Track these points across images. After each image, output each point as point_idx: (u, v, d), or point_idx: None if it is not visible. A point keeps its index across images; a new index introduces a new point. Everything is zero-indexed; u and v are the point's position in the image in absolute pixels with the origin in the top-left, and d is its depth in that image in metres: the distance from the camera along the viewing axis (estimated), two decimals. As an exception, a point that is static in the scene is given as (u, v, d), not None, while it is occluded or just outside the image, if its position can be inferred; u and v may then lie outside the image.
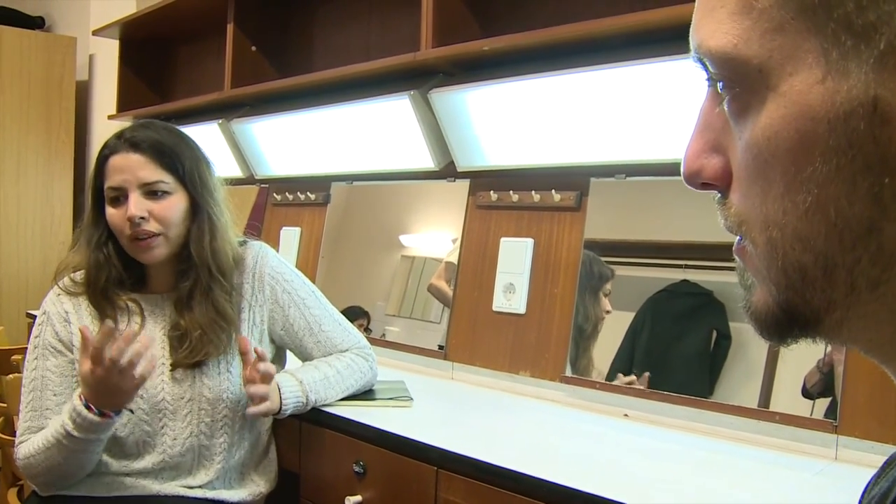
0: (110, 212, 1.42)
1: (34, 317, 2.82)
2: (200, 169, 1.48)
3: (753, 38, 0.34)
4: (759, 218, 0.36)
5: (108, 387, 1.28)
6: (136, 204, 1.39)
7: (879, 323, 0.35)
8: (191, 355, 1.43)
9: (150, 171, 1.42)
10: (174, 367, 1.44)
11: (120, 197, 1.41)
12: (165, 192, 1.43)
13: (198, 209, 1.46)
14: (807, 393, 1.38)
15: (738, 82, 0.36)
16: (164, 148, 1.44)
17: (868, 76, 0.31)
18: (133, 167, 1.41)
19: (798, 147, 0.33)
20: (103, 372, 1.26)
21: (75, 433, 1.31)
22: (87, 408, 1.30)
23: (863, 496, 0.48)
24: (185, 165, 1.45)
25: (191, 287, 1.45)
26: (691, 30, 0.38)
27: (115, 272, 1.45)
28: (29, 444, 1.38)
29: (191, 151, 1.48)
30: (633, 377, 1.61)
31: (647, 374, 1.59)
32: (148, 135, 1.44)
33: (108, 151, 1.43)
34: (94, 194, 1.46)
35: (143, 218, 1.39)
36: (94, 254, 1.45)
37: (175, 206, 1.43)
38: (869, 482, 0.48)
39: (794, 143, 0.33)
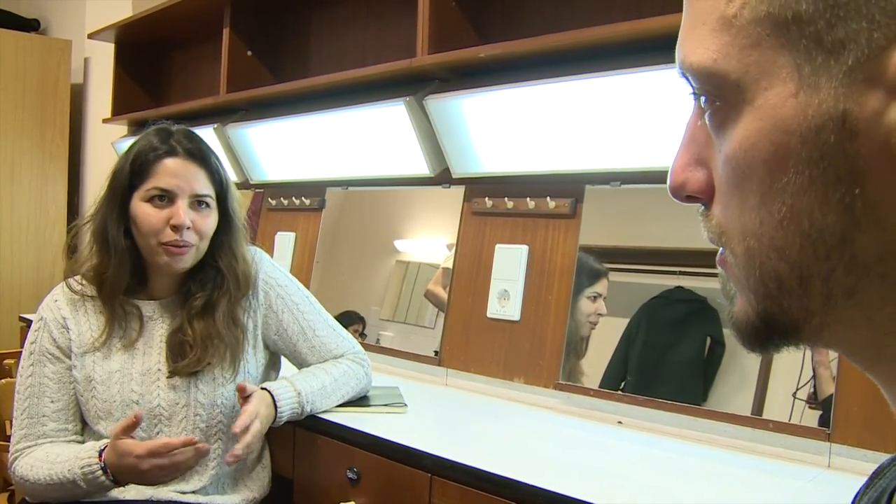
0: (147, 210, 1.40)
1: (28, 321, 2.81)
2: (232, 185, 1.52)
3: (732, 54, 0.35)
4: (738, 228, 0.37)
5: (142, 476, 1.31)
6: (186, 212, 1.40)
7: (857, 328, 0.36)
8: (195, 364, 1.42)
9: (204, 185, 1.44)
10: (172, 374, 1.43)
11: (164, 199, 1.41)
12: (207, 206, 1.45)
13: (230, 225, 1.49)
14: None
15: (719, 96, 0.37)
16: (216, 165, 1.48)
17: (838, 91, 0.32)
18: (190, 176, 1.42)
19: (773, 159, 0.34)
20: (149, 467, 1.29)
21: (82, 485, 1.32)
22: (104, 471, 1.31)
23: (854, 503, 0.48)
24: (226, 183, 1.49)
25: (211, 295, 1.46)
26: (677, 46, 0.40)
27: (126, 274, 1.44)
28: (30, 469, 1.37)
29: (223, 168, 1.51)
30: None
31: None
32: (202, 148, 1.46)
33: (161, 153, 1.42)
34: (121, 188, 1.42)
35: (188, 228, 1.40)
36: (119, 247, 1.42)
37: (212, 220, 1.46)
38: (857, 493, 0.49)
39: (769, 154, 0.34)
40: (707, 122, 0.38)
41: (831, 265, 0.34)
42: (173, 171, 1.41)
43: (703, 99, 0.38)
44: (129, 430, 1.30)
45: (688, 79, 0.39)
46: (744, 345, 0.40)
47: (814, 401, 1.36)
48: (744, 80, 0.35)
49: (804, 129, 0.33)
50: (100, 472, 1.31)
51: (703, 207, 0.41)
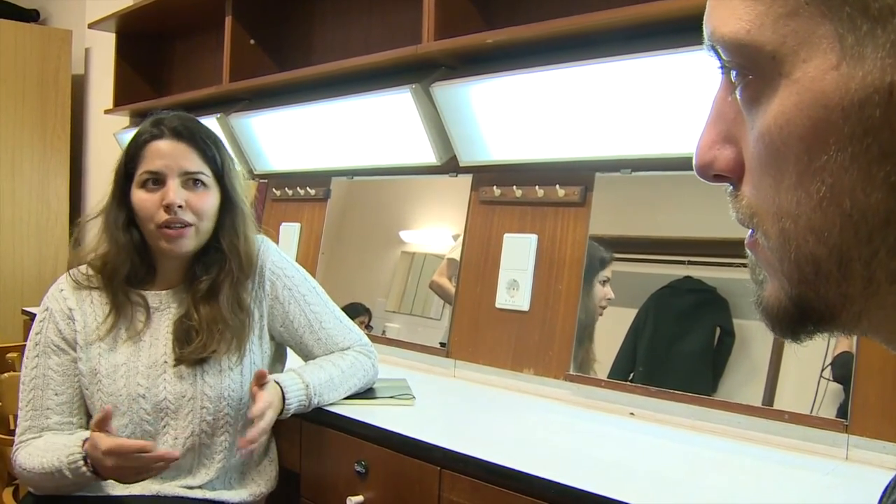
0: (142, 196, 1.40)
1: (30, 314, 2.80)
2: (232, 165, 1.50)
3: (767, 24, 0.34)
4: (772, 209, 0.35)
5: (114, 472, 1.28)
6: (176, 191, 1.38)
7: None
8: (201, 350, 1.40)
9: (193, 162, 1.42)
10: (178, 363, 1.42)
11: (155, 182, 1.40)
12: (203, 185, 1.43)
13: (231, 204, 1.47)
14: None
15: (752, 69, 0.35)
16: (207, 141, 1.45)
17: (884, 62, 0.30)
18: (177, 155, 1.40)
19: (811, 135, 0.33)
20: (112, 464, 1.25)
21: (68, 475, 1.30)
22: (85, 461, 1.29)
23: (881, 500, 0.46)
24: (223, 161, 1.46)
25: (216, 278, 1.44)
26: (705, 17, 0.38)
27: (132, 263, 1.43)
28: (27, 457, 1.36)
29: (224, 147, 1.49)
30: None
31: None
32: (189, 126, 1.44)
33: (148, 136, 1.41)
34: (119, 179, 1.43)
35: (180, 206, 1.38)
36: (118, 238, 1.42)
37: (210, 199, 1.43)
38: (888, 485, 0.47)
39: (806, 131, 0.33)
40: (738, 97, 0.36)
41: (874, 248, 0.32)
42: (160, 152, 1.40)
43: (733, 73, 0.36)
44: (101, 424, 1.27)
45: (717, 52, 0.37)
46: (773, 331, 0.38)
47: (836, 372, 1.33)
48: (780, 52, 0.33)
49: (846, 104, 0.31)
50: (82, 461, 1.28)
51: (731, 187, 0.39)
